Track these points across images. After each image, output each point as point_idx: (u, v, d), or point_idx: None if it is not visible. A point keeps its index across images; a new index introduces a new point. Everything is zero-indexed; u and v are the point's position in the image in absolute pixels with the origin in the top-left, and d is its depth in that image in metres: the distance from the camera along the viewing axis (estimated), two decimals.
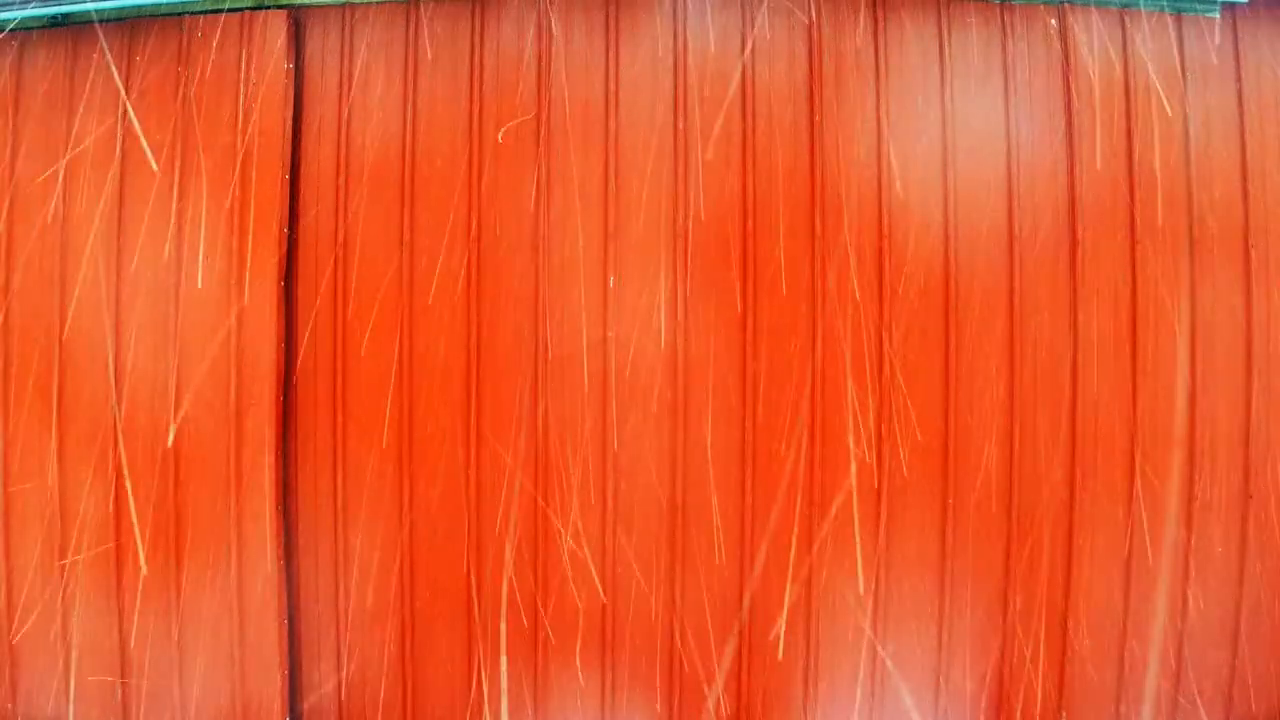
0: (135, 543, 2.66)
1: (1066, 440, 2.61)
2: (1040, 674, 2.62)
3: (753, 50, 2.63)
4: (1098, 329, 2.61)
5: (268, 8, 2.68)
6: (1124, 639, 2.62)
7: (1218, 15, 2.66)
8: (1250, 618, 2.64)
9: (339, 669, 2.69)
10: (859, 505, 2.61)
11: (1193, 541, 2.62)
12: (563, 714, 2.64)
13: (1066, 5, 2.64)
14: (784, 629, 2.61)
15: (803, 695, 2.62)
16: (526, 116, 2.57)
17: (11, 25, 2.70)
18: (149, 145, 2.68)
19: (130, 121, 2.69)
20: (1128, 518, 2.61)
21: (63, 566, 2.69)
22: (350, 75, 2.69)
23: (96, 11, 2.68)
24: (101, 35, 2.72)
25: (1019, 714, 2.62)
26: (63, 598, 2.69)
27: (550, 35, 2.65)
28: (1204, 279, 2.63)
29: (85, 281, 2.69)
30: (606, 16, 2.65)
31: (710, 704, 2.62)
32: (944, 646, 2.62)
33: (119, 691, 2.69)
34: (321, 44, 2.70)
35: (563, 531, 2.63)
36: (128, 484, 2.66)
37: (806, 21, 2.64)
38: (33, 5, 2.63)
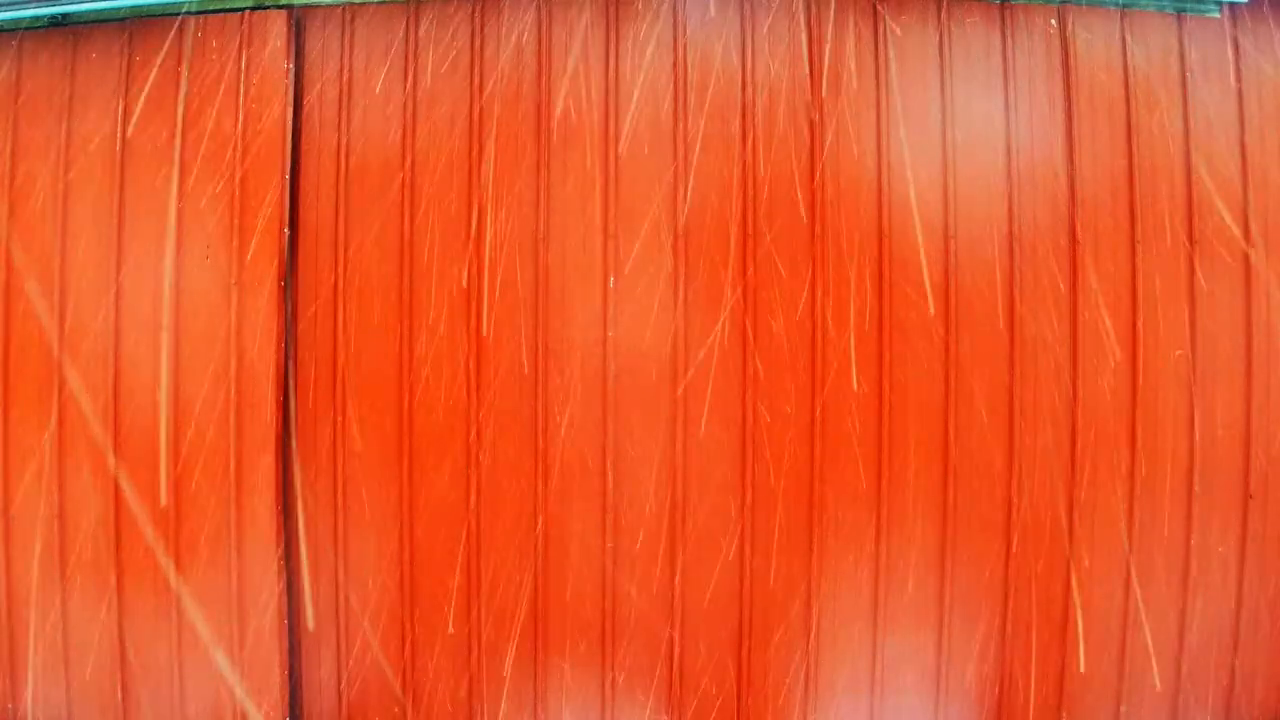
0: (135, 542, 2.66)
1: (1066, 439, 2.61)
2: (1040, 674, 2.62)
3: (753, 50, 2.63)
4: (1098, 328, 2.61)
5: (268, 8, 2.68)
6: (1124, 639, 2.62)
7: (1218, 15, 2.66)
8: (1250, 618, 2.64)
9: (339, 669, 2.69)
10: (860, 505, 2.60)
11: (1193, 541, 2.62)
12: (563, 714, 2.64)
13: (1066, 5, 2.64)
14: (784, 629, 2.61)
15: (803, 695, 2.62)
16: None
17: (11, 25, 2.70)
18: (149, 145, 2.68)
19: (130, 121, 2.69)
20: (1128, 517, 2.61)
21: (63, 566, 2.69)
22: (350, 75, 2.69)
23: (96, 11, 2.67)
24: (101, 35, 2.72)
25: (1019, 714, 2.62)
26: (63, 597, 2.69)
27: (550, 35, 2.65)
28: (1204, 279, 2.63)
29: (85, 281, 2.69)
30: (606, 16, 2.65)
31: (710, 704, 2.62)
32: (944, 647, 2.62)
33: (119, 691, 2.69)
34: (321, 44, 2.70)
35: (563, 531, 2.63)
36: (127, 484, 2.66)
37: (806, 21, 2.64)
38: (33, 5, 2.63)
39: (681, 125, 2.63)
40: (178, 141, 2.67)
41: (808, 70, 2.63)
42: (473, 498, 2.64)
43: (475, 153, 2.65)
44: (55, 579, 2.69)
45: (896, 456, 2.60)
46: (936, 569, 2.61)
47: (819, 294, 2.61)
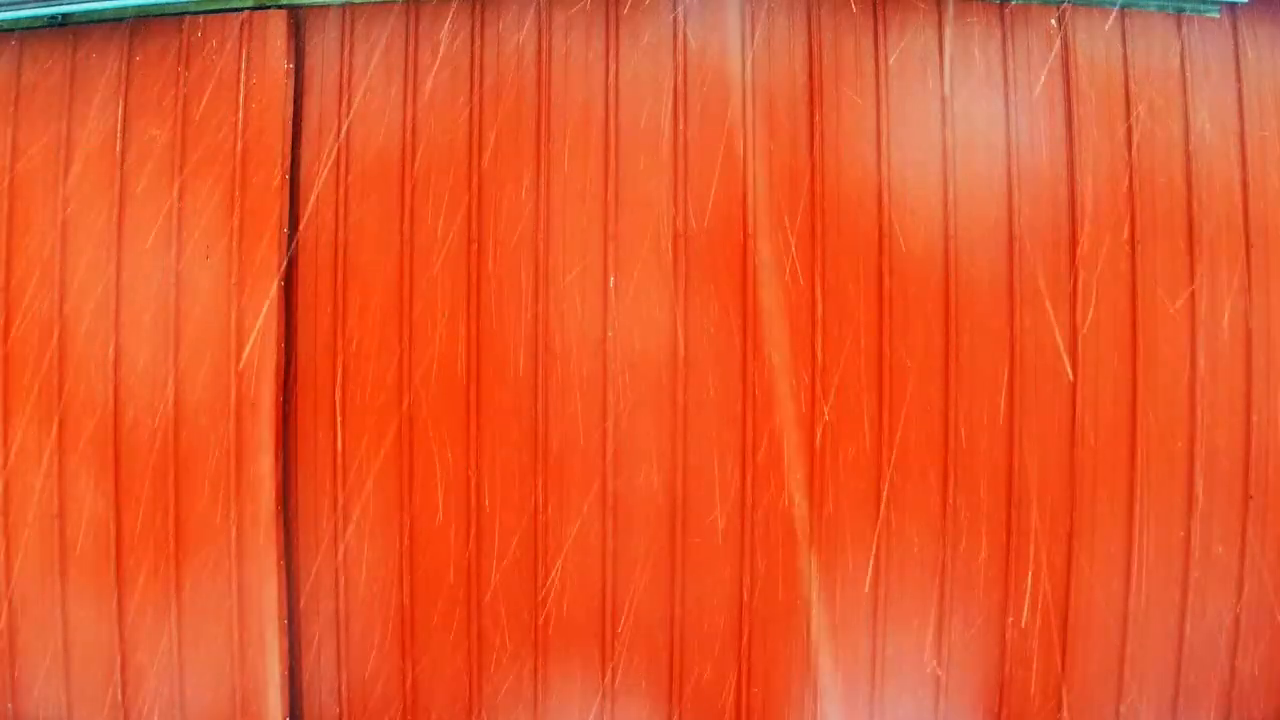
0: (135, 543, 2.66)
1: (1066, 440, 2.61)
2: (1040, 674, 2.62)
3: (753, 50, 2.63)
4: (1097, 329, 2.61)
5: (268, 8, 2.68)
6: (1124, 639, 2.62)
7: (1218, 15, 2.66)
8: (1250, 618, 2.64)
9: (339, 669, 2.69)
10: (860, 505, 2.60)
11: (1193, 541, 2.62)
12: (563, 713, 2.64)
13: (1066, 5, 2.64)
14: (785, 629, 2.61)
15: (803, 694, 2.62)
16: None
17: (11, 25, 2.70)
18: (149, 145, 2.68)
19: (130, 121, 2.69)
20: (1128, 517, 2.61)
21: (63, 566, 2.69)
22: (350, 75, 2.69)
23: (96, 11, 2.67)
24: (101, 35, 2.72)
25: (1019, 714, 2.62)
26: (63, 597, 2.69)
27: (550, 35, 2.65)
28: (1204, 279, 2.63)
29: (85, 282, 2.69)
30: (606, 16, 2.65)
31: (709, 702, 2.62)
32: (945, 646, 2.62)
33: (119, 691, 2.69)
34: (321, 44, 2.70)
35: (563, 530, 2.63)
36: (127, 484, 2.66)
37: (806, 21, 2.64)
38: (33, 5, 2.63)
39: (681, 124, 2.63)
40: (178, 141, 2.67)
41: (807, 70, 2.63)
42: (473, 498, 2.64)
43: (475, 152, 2.65)
44: (55, 579, 2.69)
45: (897, 456, 2.60)
46: (936, 569, 2.61)
47: (819, 293, 2.61)
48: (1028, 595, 2.61)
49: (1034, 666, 2.61)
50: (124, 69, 2.70)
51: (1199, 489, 2.62)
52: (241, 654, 2.65)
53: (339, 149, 2.68)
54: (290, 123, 2.66)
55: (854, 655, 2.61)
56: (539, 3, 2.65)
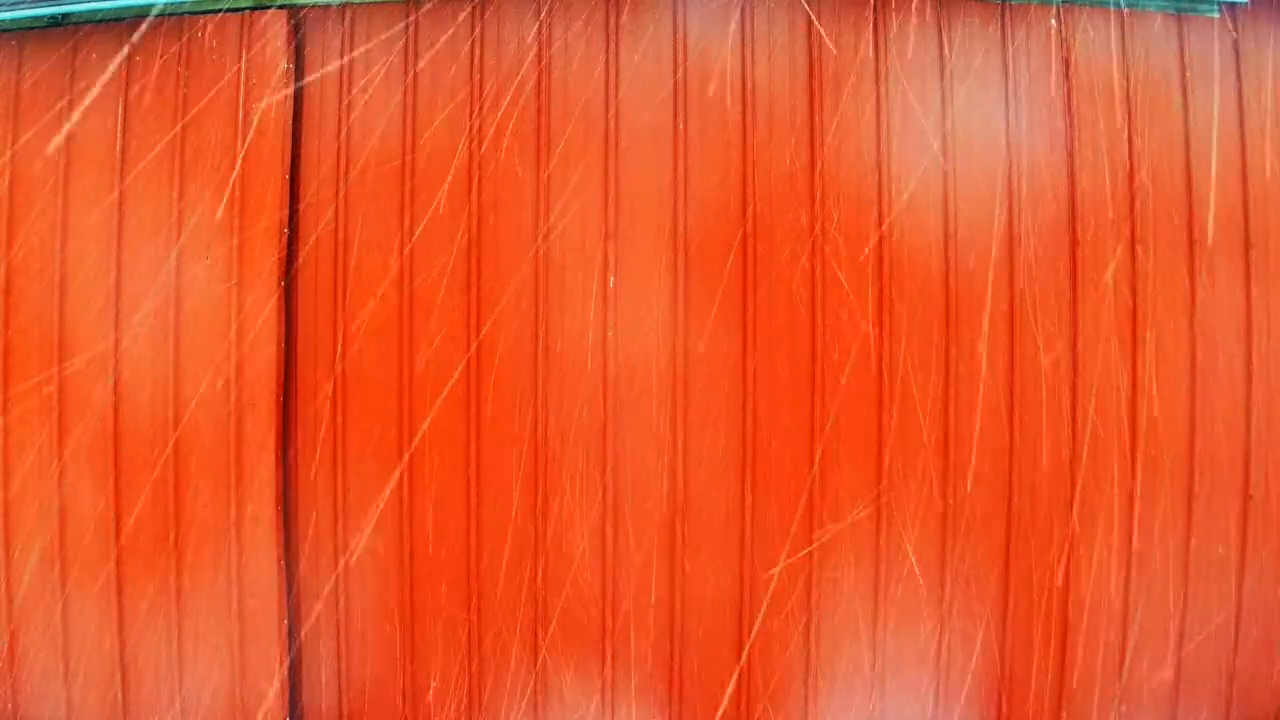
0: (135, 543, 2.66)
1: (1066, 440, 2.61)
2: (1040, 674, 2.62)
3: (753, 50, 2.63)
4: (1097, 327, 2.61)
5: (268, 8, 2.68)
6: (1124, 639, 2.62)
7: (1218, 15, 2.66)
8: (1250, 618, 2.64)
9: (339, 669, 2.69)
10: (859, 505, 2.60)
11: (1193, 541, 2.62)
12: (563, 714, 2.64)
13: (1066, 5, 2.64)
14: (784, 628, 2.61)
15: (803, 694, 2.62)
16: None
17: (11, 25, 2.70)
18: (149, 145, 2.68)
19: (130, 121, 2.69)
20: (1128, 517, 2.61)
21: (63, 566, 2.69)
22: (350, 75, 2.69)
23: (96, 11, 2.67)
24: (101, 35, 2.72)
25: (1019, 714, 2.62)
26: (63, 597, 2.69)
27: (550, 35, 2.65)
28: (1204, 279, 2.63)
29: (85, 282, 2.69)
30: (606, 16, 2.65)
31: (710, 703, 2.62)
32: (944, 646, 2.62)
33: (119, 691, 2.69)
34: (321, 44, 2.70)
35: (563, 531, 2.63)
36: (128, 484, 2.66)
37: (806, 21, 2.64)
38: (33, 5, 2.63)
39: (682, 124, 2.63)
40: (178, 141, 2.67)
41: (808, 70, 2.63)
42: (473, 498, 2.64)
43: (475, 151, 2.65)
44: (55, 578, 2.69)
45: (896, 456, 2.60)
46: (937, 570, 2.61)
47: (819, 293, 2.61)
48: (1028, 596, 2.61)
49: (1034, 667, 2.61)
50: (124, 69, 2.70)
51: (1199, 489, 2.62)
52: (241, 654, 2.65)
53: (339, 149, 2.68)
54: (290, 123, 2.66)
55: (854, 655, 2.61)
56: (539, 2, 2.65)
